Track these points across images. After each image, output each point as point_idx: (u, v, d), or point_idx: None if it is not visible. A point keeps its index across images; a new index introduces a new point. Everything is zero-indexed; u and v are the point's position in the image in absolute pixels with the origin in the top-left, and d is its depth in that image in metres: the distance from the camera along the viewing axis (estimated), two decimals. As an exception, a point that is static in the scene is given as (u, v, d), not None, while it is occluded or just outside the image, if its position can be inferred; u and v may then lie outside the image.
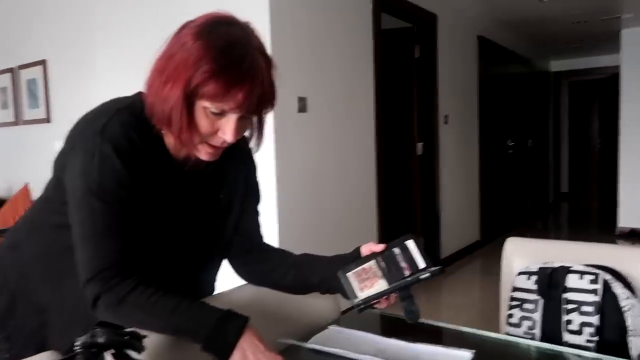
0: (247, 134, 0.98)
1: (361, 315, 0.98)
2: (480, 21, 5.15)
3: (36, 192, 3.72)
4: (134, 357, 0.63)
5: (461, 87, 4.82)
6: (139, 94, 0.95)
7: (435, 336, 1.17)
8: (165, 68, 0.86)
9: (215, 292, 1.14)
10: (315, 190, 2.95)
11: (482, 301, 3.77)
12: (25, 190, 3.79)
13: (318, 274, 1.01)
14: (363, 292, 0.92)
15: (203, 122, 0.87)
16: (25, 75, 4.11)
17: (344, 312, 1.31)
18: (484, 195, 5.28)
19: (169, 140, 0.95)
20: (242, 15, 0.92)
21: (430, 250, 4.32)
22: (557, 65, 8.18)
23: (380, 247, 0.94)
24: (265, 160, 2.66)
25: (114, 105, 0.93)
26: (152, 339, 0.83)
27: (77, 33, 3.63)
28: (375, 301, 0.91)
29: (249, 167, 1.13)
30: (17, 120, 4.26)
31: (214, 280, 1.14)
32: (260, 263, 1.10)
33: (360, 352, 0.98)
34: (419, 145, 4.23)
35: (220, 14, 0.90)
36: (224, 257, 1.12)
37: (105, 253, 0.87)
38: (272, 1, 2.58)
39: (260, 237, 1.15)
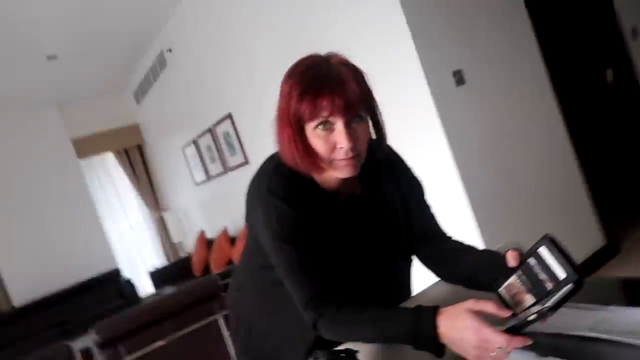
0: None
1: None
2: None
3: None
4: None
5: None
6: None
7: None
8: (278, 118, 1.02)
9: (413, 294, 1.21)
10: (499, 159, 2.82)
11: None
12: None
13: (489, 277, 0.98)
14: (518, 306, 0.88)
15: (319, 143, 0.98)
16: (219, 130, 4.80)
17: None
18: None
19: (317, 178, 1.07)
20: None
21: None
22: None
23: (514, 260, 0.90)
24: (437, 142, 2.66)
25: (270, 163, 1.09)
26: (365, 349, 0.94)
27: (251, 86, 4.10)
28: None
29: (399, 171, 1.19)
30: (225, 169, 4.99)
31: (408, 284, 1.22)
32: (443, 261, 1.14)
33: (575, 329, 0.93)
34: (609, 72, 3.69)
35: (306, 56, 1.03)
36: (410, 261, 1.19)
37: (306, 286, 1.02)
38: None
39: (437, 231, 1.19)
